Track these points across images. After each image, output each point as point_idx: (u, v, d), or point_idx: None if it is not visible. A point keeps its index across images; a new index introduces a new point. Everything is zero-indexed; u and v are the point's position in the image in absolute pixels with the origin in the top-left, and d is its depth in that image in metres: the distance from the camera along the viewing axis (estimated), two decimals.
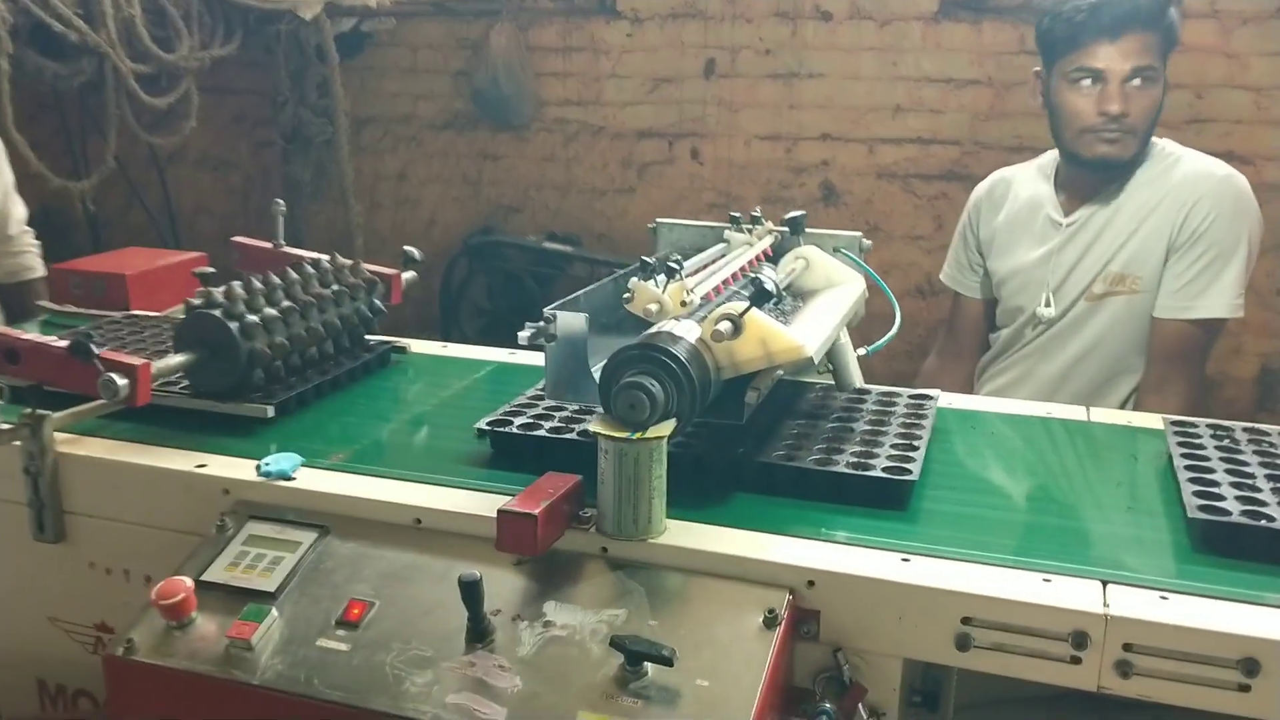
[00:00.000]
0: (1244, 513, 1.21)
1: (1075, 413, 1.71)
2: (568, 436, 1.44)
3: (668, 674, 1.08)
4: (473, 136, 4.80)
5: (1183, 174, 2.19)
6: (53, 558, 1.50)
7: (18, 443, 1.46)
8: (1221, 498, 1.24)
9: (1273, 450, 1.41)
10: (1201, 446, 1.41)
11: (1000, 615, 1.13)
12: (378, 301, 1.86)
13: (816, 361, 1.34)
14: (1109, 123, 2.16)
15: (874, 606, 1.17)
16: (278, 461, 1.41)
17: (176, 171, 5.17)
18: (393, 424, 1.67)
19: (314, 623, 1.21)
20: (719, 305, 1.37)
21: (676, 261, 1.37)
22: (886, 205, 4.23)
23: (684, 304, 1.33)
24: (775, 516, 1.30)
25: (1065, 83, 2.20)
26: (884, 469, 1.33)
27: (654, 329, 1.29)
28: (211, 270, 1.74)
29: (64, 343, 1.46)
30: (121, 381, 1.42)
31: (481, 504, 1.32)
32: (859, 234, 1.73)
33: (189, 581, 1.23)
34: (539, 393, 1.60)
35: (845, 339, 1.57)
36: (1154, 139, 2.25)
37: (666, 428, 1.21)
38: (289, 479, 1.40)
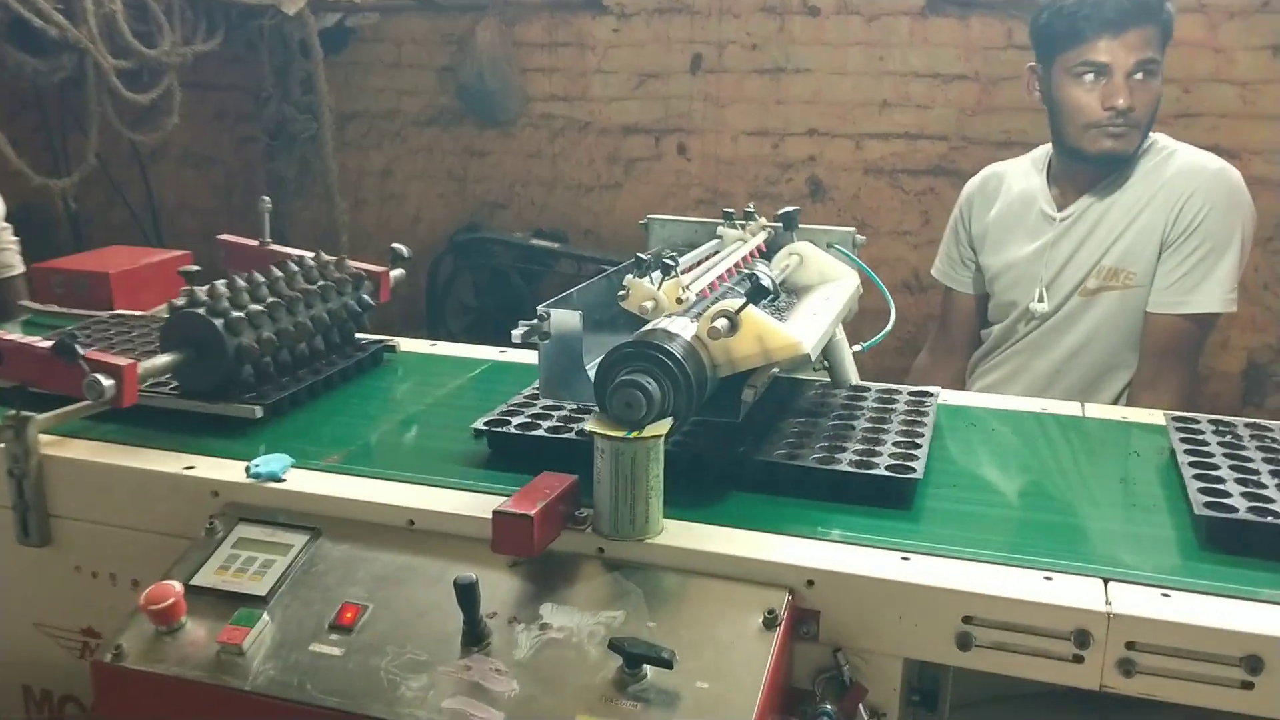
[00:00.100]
0: (1250, 509, 1.20)
1: (1071, 408, 1.71)
2: (566, 436, 1.42)
3: (667, 676, 1.07)
4: (458, 132, 4.78)
5: (1176, 168, 2.19)
6: (38, 562, 1.47)
7: (1, 445, 1.43)
8: (1227, 494, 1.24)
9: (1275, 446, 1.41)
10: (1204, 443, 1.40)
11: (1002, 614, 1.12)
12: (366, 298, 1.84)
13: (814, 359, 1.33)
14: (1115, 117, 2.15)
15: (874, 606, 1.16)
16: (267, 463, 1.39)
17: (159, 168, 5.12)
18: (385, 424, 1.65)
19: (306, 627, 1.19)
20: (714, 302, 1.36)
21: (672, 258, 1.35)
22: (874, 201, 4.22)
23: (680, 301, 1.31)
24: (772, 515, 1.29)
25: (1068, 77, 2.19)
26: (887, 467, 1.32)
27: (649, 326, 1.28)
28: (197, 268, 1.72)
29: (48, 343, 1.43)
30: (107, 382, 1.40)
31: (475, 505, 1.30)
32: (852, 229, 1.72)
33: (178, 586, 1.21)
34: (535, 392, 1.58)
35: (841, 335, 1.56)
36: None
37: (663, 426, 1.19)
38: (279, 480, 1.38)
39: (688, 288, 1.33)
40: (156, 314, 2.05)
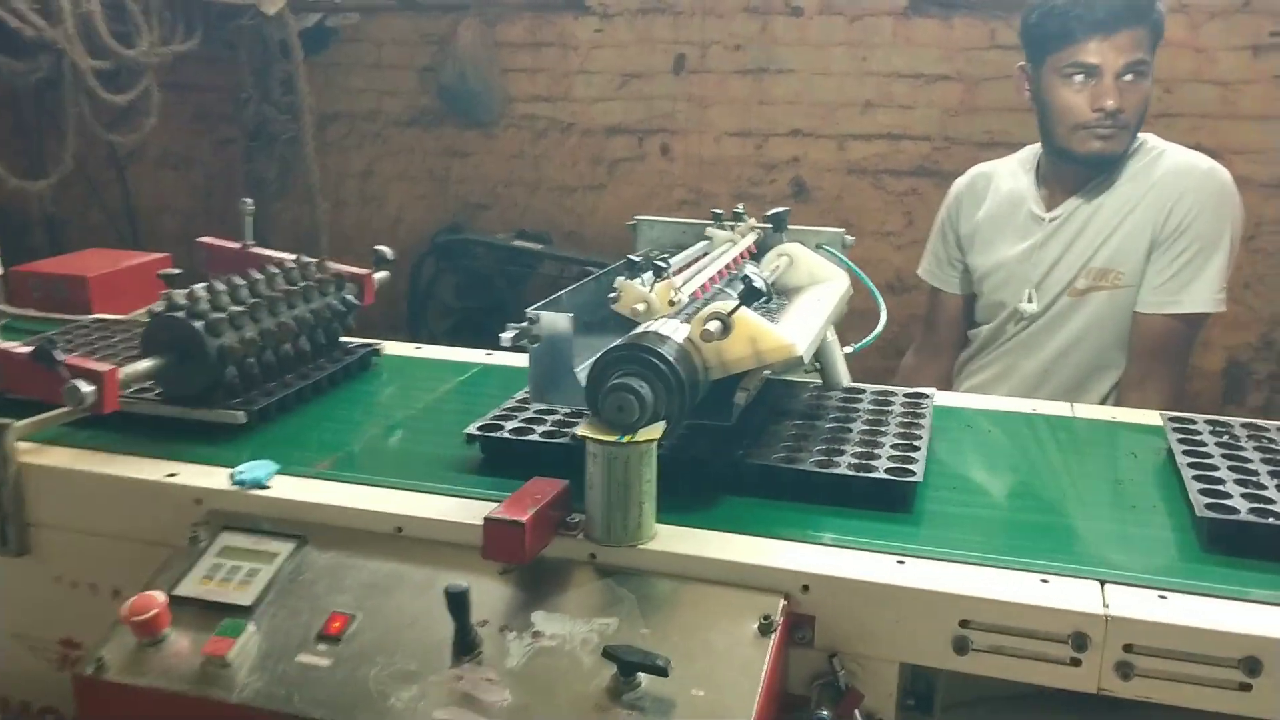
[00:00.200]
0: (1251, 510, 1.20)
1: (1063, 409, 1.70)
2: (560, 441, 1.40)
3: (662, 684, 1.06)
4: (439, 133, 4.75)
5: (1166, 169, 2.19)
6: (16, 571, 1.45)
7: None
8: (1228, 495, 1.23)
9: (1273, 446, 1.40)
10: (1202, 443, 1.40)
11: (999, 617, 1.11)
12: (350, 298, 1.81)
13: (807, 360, 1.31)
14: (1104, 119, 2.15)
15: (870, 610, 1.15)
16: (252, 469, 1.37)
17: (137, 170, 5.07)
18: (373, 430, 1.63)
19: (293, 637, 1.16)
20: (705, 304, 1.34)
21: (664, 260, 1.34)
22: (857, 201, 4.22)
23: (672, 303, 1.30)
24: (765, 519, 1.28)
25: (1057, 78, 2.19)
26: (887, 470, 1.31)
27: (640, 329, 1.26)
28: (177, 271, 1.70)
29: (27, 348, 1.40)
30: (87, 388, 1.38)
31: (464, 511, 1.28)
32: (841, 230, 1.71)
33: (161, 596, 1.18)
34: (526, 396, 1.56)
35: (833, 337, 1.55)
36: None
37: (656, 430, 1.18)
38: (264, 487, 1.35)
39: (680, 290, 1.32)
40: (137, 318, 2.02)
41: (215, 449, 1.46)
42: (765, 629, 1.12)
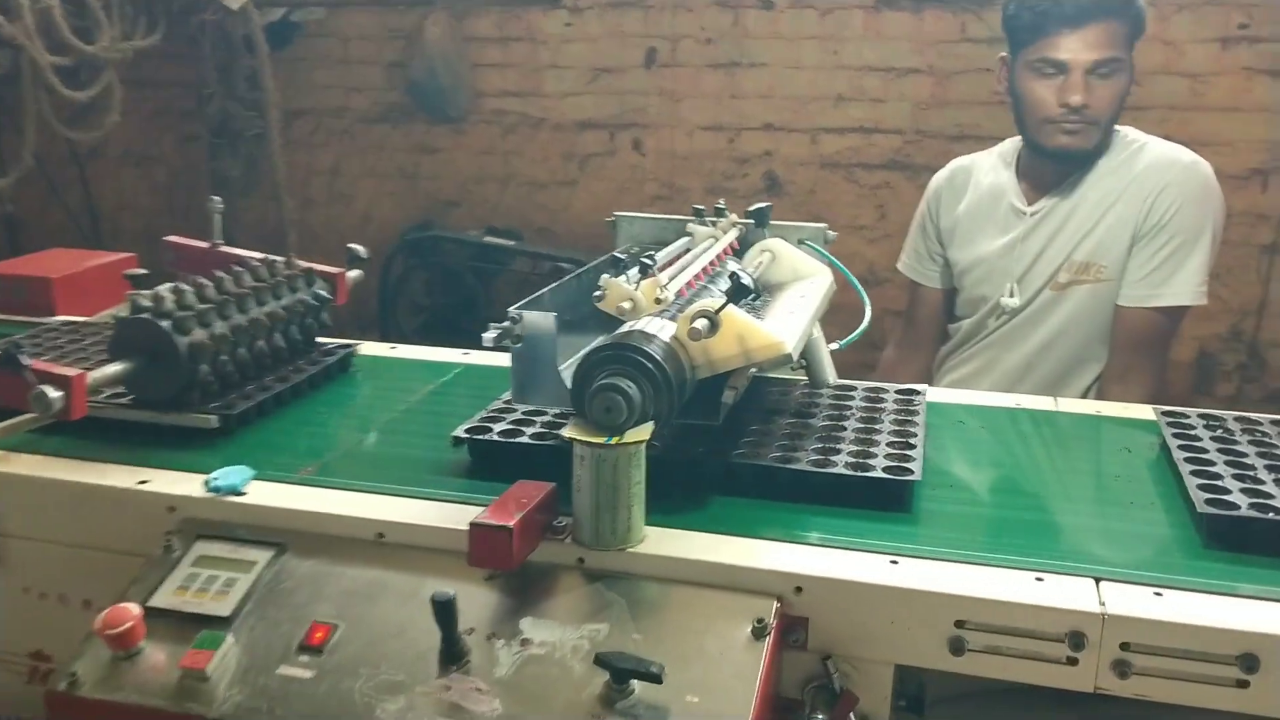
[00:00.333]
0: (1251, 506, 1.19)
1: (1056, 404, 1.69)
2: (552, 443, 1.37)
3: (655, 691, 1.03)
4: (408, 129, 4.70)
5: (1147, 162, 2.19)
6: None
7: None
8: (1226, 491, 1.22)
9: (1268, 440, 1.40)
10: (1197, 438, 1.39)
11: (995, 617, 1.10)
12: (322, 293, 1.77)
13: (795, 358, 1.29)
14: (1069, 114, 2.14)
15: (864, 612, 1.13)
16: (227, 475, 1.33)
17: (98, 168, 4.98)
18: (353, 433, 1.60)
19: (274, 649, 1.13)
20: (690, 302, 1.32)
21: (650, 257, 1.31)
22: (829, 195, 4.22)
23: (658, 301, 1.27)
24: (755, 520, 1.25)
25: (1028, 71, 2.19)
26: (885, 469, 1.29)
27: (625, 328, 1.24)
28: (143, 272, 1.65)
29: None
30: (55, 394, 1.34)
31: (447, 515, 1.25)
32: (824, 225, 1.69)
33: (136, 608, 1.14)
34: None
35: (819, 334, 1.53)
36: (1117, 126, 2.25)
37: (645, 431, 1.15)
38: (240, 494, 1.31)
39: (665, 287, 1.29)
40: (105, 319, 1.97)
41: (189, 455, 1.42)
42: (759, 632, 1.09)
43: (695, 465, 1.35)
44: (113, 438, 1.46)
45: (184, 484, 1.34)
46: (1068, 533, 1.28)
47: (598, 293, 1.29)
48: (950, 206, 2.40)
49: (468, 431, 1.41)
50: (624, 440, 1.14)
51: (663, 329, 1.22)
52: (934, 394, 1.72)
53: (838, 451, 1.35)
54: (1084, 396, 2.23)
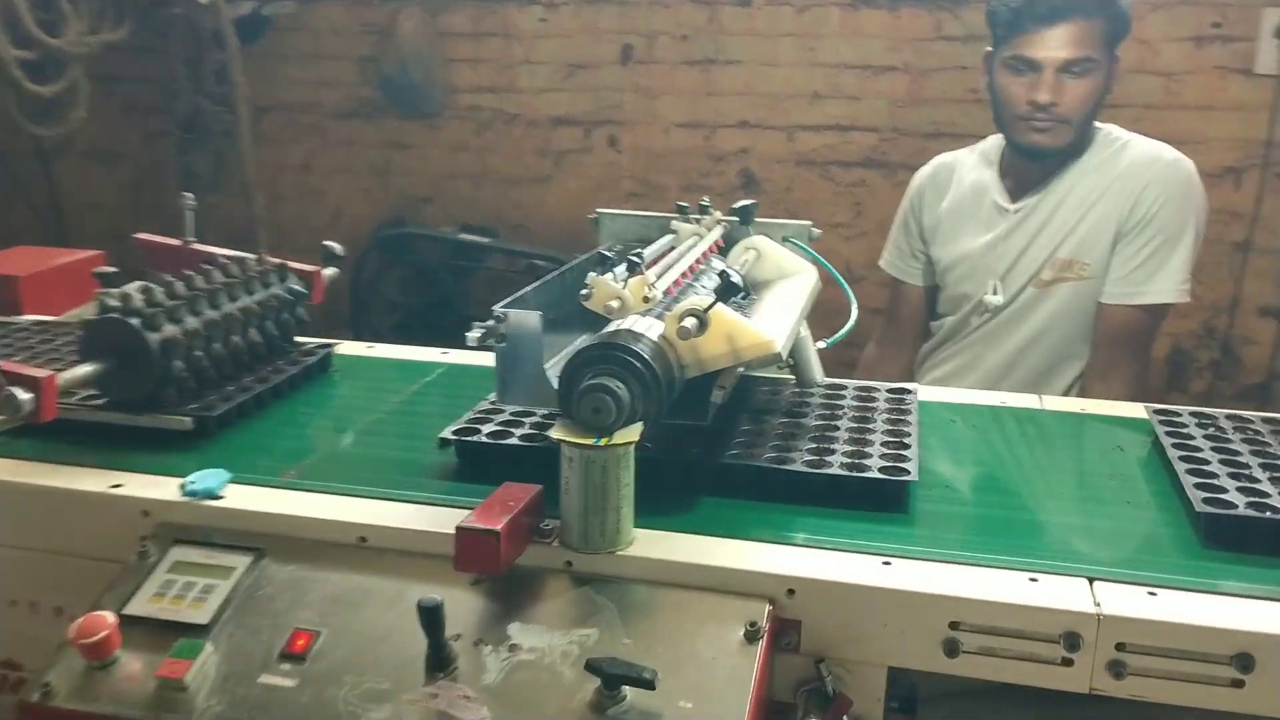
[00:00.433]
0: (1249, 505, 1.18)
1: (1052, 403, 1.69)
2: (542, 444, 1.35)
3: (648, 697, 1.01)
4: (380, 125, 4.64)
5: (1130, 159, 2.19)
6: None
7: None
8: (1223, 490, 1.22)
9: (1260, 438, 1.40)
10: (1190, 436, 1.39)
11: (990, 618, 1.08)
12: (297, 287, 1.74)
13: (785, 356, 1.28)
14: (1037, 111, 2.14)
15: (857, 614, 1.12)
16: (203, 479, 1.30)
17: (63, 165, 4.88)
18: (333, 434, 1.57)
19: (255, 657, 1.10)
20: (677, 301, 1.30)
21: (638, 254, 1.29)
22: (806, 193, 4.21)
23: (646, 299, 1.25)
24: (744, 521, 1.24)
25: (1004, 68, 2.19)
26: (880, 469, 1.28)
27: (612, 326, 1.22)
28: (113, 270, 1.61)
29: None
30: (24, 396, 1.30)
31: (430, 518, 1.23)
32: (808, 223, 1.68)
33: (111, 617, 1.11)
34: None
35: (806, 332, 1.52)
36: (1100, 124, 2.25)
37: (634, 432, 1.13)
38: (216, 498, 1.28)
39: (653, 285, 1.27)
40: (71, 318, 1.93)
41: (164, 458, 1.39)
42: (752, 636, 1.08)
43: (687, 466, 1.33)
44: (85, 440, 1.42)
45: (159, 488, 1.30)
46: (1061, 532, 1.27)
47: (584, 291, 1.26)
48: (933, 204, 2.39)
49: (455, 433, 1.39)
50: (613, 442, 1.12)
51: (650, 328, 1.20)
52: (924, 393, 1.72)
53: (832, 452, 1.33)
54: (1066, 394, 2.23)
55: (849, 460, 1.31)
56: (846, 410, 1.49)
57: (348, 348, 1.89)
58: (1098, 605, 1.07)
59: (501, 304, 1.23)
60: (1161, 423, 1.44)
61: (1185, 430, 1.42)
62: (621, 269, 1.28)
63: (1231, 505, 1.18)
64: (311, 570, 1.20)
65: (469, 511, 1.12)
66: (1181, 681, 1.06)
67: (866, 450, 1.33)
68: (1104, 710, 1.13)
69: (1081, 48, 2.12)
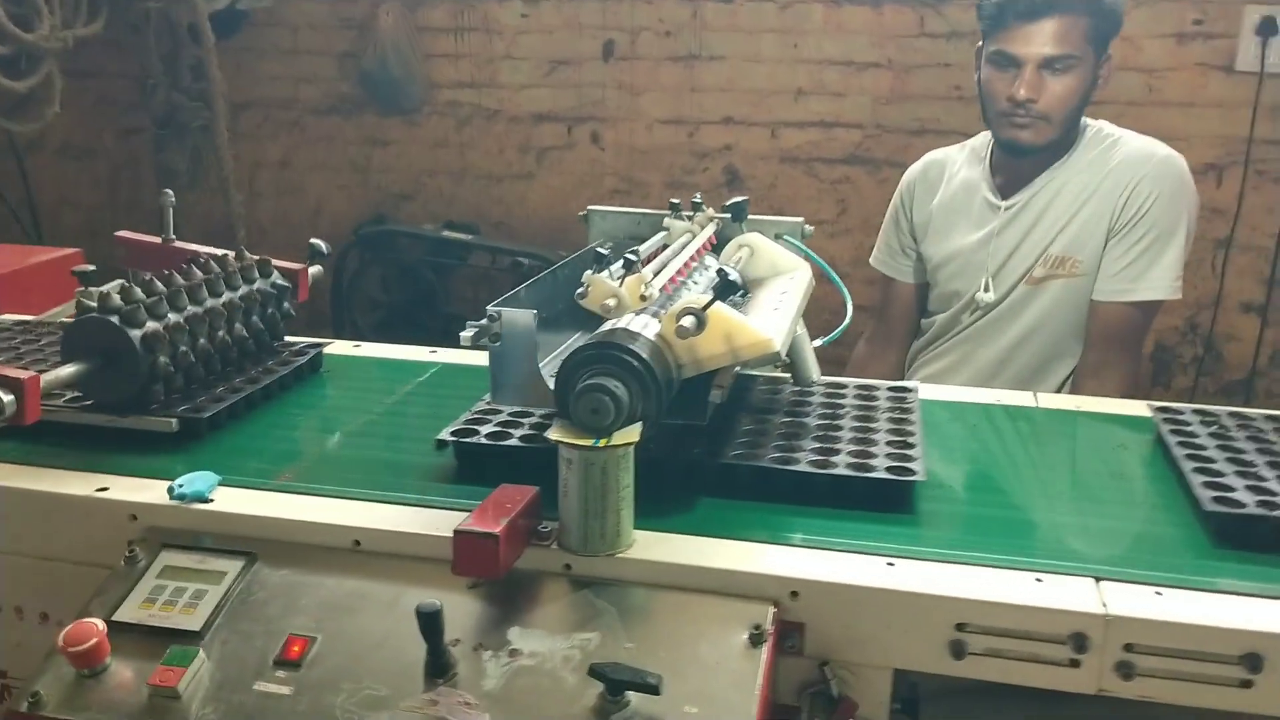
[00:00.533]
0: (1259, 504, 1.18)
1: (1051, 400, 1.68)
2: (541, 445, 1.32)
3: (652, 702, 0.99)
4: (360, 121, 4.60)
5: (1122, 156, 2.19)
6: None
7: None
8: (1231, 489, 1.21)
9: (1263, 436, 1.39)
10: (1194, 434, 1.38)
11: (996, 620, 1.07)
12: (281, 281, 1.71)
13: (783, 355, 1.26)
14: (1016, 108, 2.14)
15: (862, 616, 1.10)
16: (192, 482, 1.27)
17: (37, 161, 4.81)
18: (324, 436, 1.54)
19: (249, 664, 1.08)
20: (673, 299, 1.29)
21: (634, 252, 1.27)
22: (790, 190, 4.20)
23: (643, 298, 1.23)
24: (745, 522, 1.22)
25: (988, 63, 2.19)
26: (887, 469, 1.26)
27: (608, 326, 1.20)
28: (91, 268, 1.58)
29: None
30: (6, 397, 1.26)
31: (426, 521, 1.21)
32: (801, 220, 1.67)
33: (100, 624, 1.08)
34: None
35: (802, 330, 1.50)
36: (1091, 120, 2.24)
37: (634, 433, 1.12)
38: (206, 501, 1.26)
39: (650, 283, 1.25)
40: (52, 318, 1.89)
41: (152, 460, 1.36)
42: (756, 639, 1.06)
43: (688, 466, 1.31)
44: (70, 443, 1.39)
45: (146, 491, 1.28)
46: (1066, 532, 1.26)
47: (581, 289, 1.25)
48: (924, 201, 2.38)
49: (453, 434, 1.36)
50: (612, 443, 1.10)
51: (647, 327, 1.19)
52: (926, 391, 1.71)
53: (836, 452, 1.32)
54: (1058, 392, 2.23)
55: (854, 460, 1.29)
56: (848, 409, 1.47)
57: (336, 347, 1.86)
58: (1105, 606, 1.06)
59: (495, 303, 1.21)
60: (1165, 420, 1.44)
61: (1189, 428, 1.41)
62: (617, 267, 1.26)
63: (1240, 504, 1.17)
64: (305, 575, 1.17)
65: (465, 514, 1.10)
66: (1190, 682, 1.05)
67: (871, 450, 1.31)
68: (1104, 710, 1.13)
69: (1063, 44, 2.11)
